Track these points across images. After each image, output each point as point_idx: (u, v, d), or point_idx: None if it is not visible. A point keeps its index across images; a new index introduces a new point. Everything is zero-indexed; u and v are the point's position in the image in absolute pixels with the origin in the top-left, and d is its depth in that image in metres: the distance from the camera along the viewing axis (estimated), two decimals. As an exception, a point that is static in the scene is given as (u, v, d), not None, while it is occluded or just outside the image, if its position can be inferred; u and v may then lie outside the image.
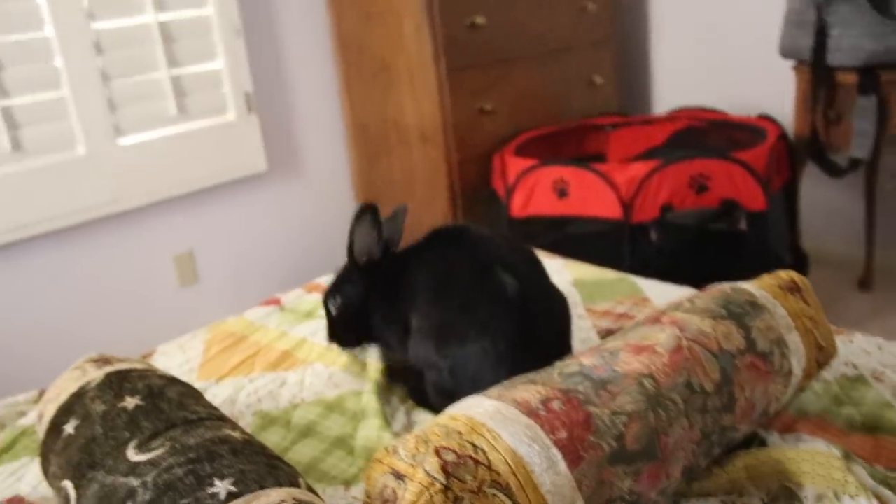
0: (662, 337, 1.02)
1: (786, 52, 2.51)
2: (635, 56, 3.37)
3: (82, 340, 2.53)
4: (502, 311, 1.22)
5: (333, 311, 1.41)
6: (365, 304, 1.38)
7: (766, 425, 1.13)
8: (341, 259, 1.45)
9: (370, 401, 1.30)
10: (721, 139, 2.79)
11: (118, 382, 1.12)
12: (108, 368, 1.17)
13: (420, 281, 1.29)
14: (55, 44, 2.38)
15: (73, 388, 1.15)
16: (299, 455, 1.19)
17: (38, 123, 2.40)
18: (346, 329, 1.41)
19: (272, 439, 1.23)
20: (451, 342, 1.21)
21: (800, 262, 2.69)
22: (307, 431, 1.25)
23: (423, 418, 1.26)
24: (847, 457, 1.01)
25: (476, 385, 1.18)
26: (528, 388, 0.95)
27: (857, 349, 1.33)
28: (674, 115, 2.98)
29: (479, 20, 2.71)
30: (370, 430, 1.21)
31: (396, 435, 1.21)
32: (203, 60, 2.67)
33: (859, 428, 1.15)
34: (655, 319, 1.08)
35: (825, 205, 2.92)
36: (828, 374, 1.27)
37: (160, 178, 2.63)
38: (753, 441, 1.10)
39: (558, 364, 1.02)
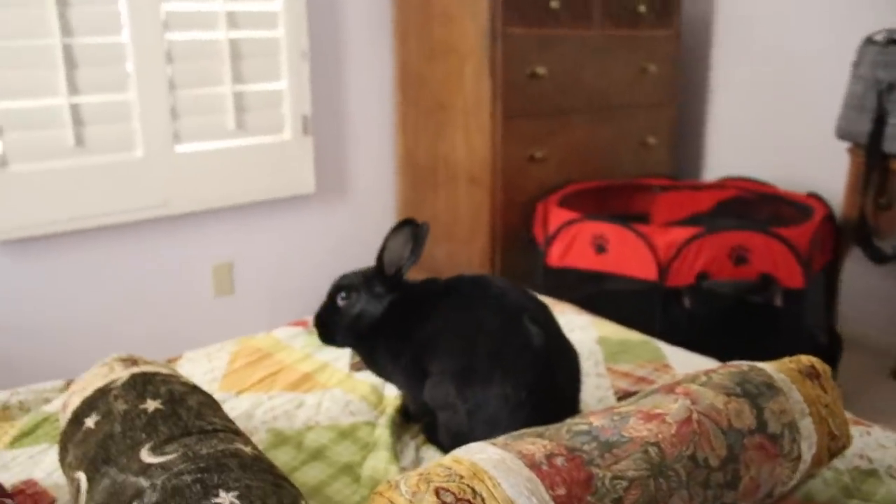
0: (674, 407, 1.03)
1: (842, 134, 2.51)
2: (690, 120, 3.39)
3: (114, 336, 2.60)
4: (528, 360, 1.24)
5: (341, 303, 1.38)
6: (379, 318, 1.37)
7: (771, 508, 1.13)
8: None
9: (383, 434, 1.32)
10: (767, 212, 2.78)
11: (142, 384, 1.16)
12: (135, 369, 1.22)
13: (444, 327, 1.31)
14: (129, 49, 2.49)
15: (99, 383, 1.20)
16: (306, 476, 1.22)
17: (102, 123, 2.50)
18: (345, 328, 1.39)
19: (282, 458, 1.26)
20: (475, 384, 1.23)
21: (834, 345, 2.65)
22: (317, 454, 1.28)
23: (432, 456, 1.27)
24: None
25: (492, 428, 1.20)
26: (535, 442, 0.97)
27: (873, 442, 1.32)
28: (722, 184, 2.98)
29: (540, 70, 2.76)
30: (378, 462, 1.24)
31: (403, 469, 1.23)
32: (267, 79, 2.76)
33: (866, 523, 1.14)
34: (670, 389, 1.09)
35: (866, 290, 2.89)
36: (840, 463, 1.25)
37: (211, 188, 2.71)
38: (756, 522, 1.09)
39: (569, 421, 1.04)
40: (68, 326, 2.54)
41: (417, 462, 1.26)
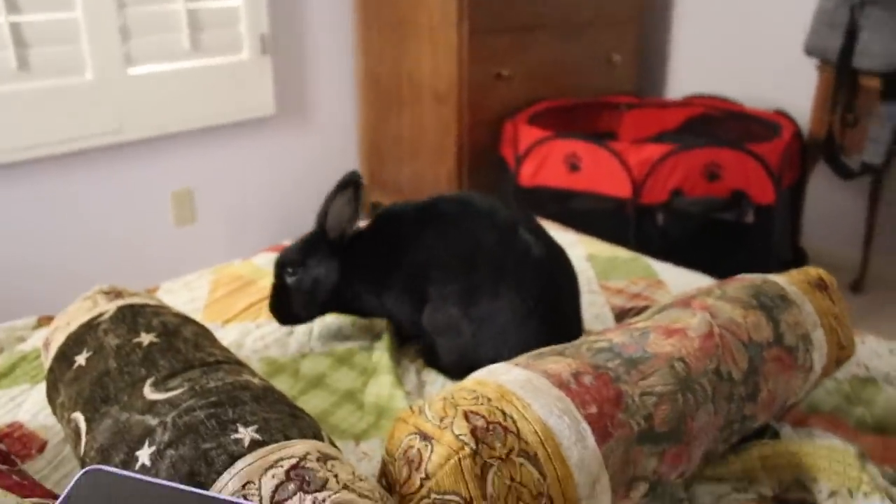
0: (694, 322, 1.01)
1: (811, 51, 2.49)
2: (655, 38, 3.33)
3: (73, 270, 2.49)
4: (531, 270, 1.21)
5: (290, 280, 1.32)
6: (339, 278, 1.31)
7: (779, 417, 1.13)
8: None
9: (381, 358, 1.28)
10: (735, 130, 2.77)
11: (132, 317, 1.09)
12: (121, 301, 1.14)
13: (438, 250, 1.25)
14: (71, -37, 2.31)
15: (83, 317, 1.12)
16: (308, 406, 1.17)
17: (47, 44, 2.33)
18: (304, 303, 1.33)
19: (280, 387, 1.21)
20: (480, 301, 1.19)
21: (798, 260, 2.69)
22: (316, 382, 1.23)
23: (434, 379, 1.24)
24: (862, 455, 1.00)
25: (500, 343, 1.18)
26: (559, 361, 0.94)
27: (868, 351, 1.33)
28: (689, 101, 2.95)
29: (506, -17, 2.66)
30: (381, 388, 1.20)
31: (408, 394, 1.19)
32: (221, -4, 2.61)
33: (870, 428, 1.15)
34: (686, 303, 1.07)
35: (829, 206, 2.93)
36: (839, 373, 1.26)
37: (166, 112, 2.57)
38: (766, 431, 1.10)
39: (586, 339, 1.01)
40: (24, 262, 2.42)
41: (420, 386, 1.23)
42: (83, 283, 2.33)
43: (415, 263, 1.28)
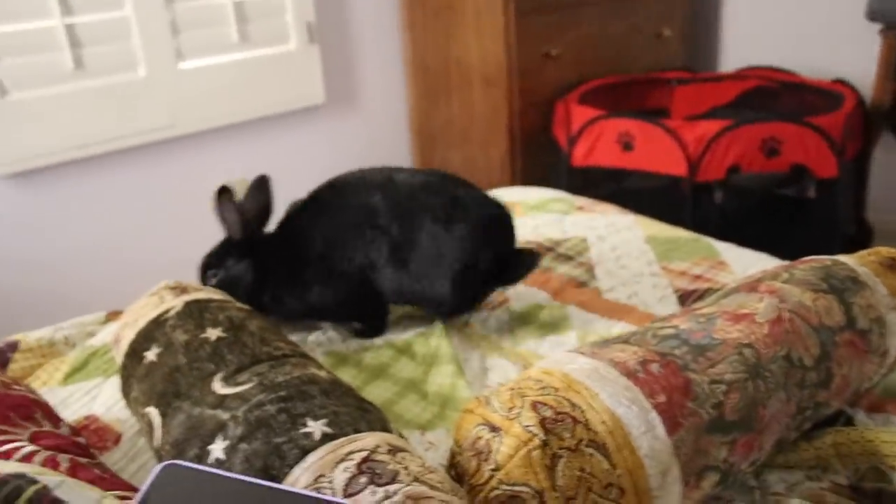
0: (761, 306, 0.99)
1: (874, 15, 2.40)
2: (706, 9, 3.26)
3: (129, 263, 2.55)
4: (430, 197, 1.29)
5: (213, 283, 1.39)
6: (252, 279, 1.36)
7: (853, 403, 1.11)
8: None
9: (440, 345, 1.28)
10: (792, 102, 2.70)
11: (198, 312, 1.12)
12: (187, 297, 1.17)
13: (339, 226, 1.32)
14: (121, -39, 2.35)
15: (151, 314, 1.15)
16: (372, 396, 1.19)
17: (100, 43, 2.38)
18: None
19: (344, 378, 1.23)
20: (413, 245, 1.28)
21: (863, 234, 2.62)
22: (378, 373, 1.25)
23: (498, 364, 1.24)
24: (942, 443, 0.98)
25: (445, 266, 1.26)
26: (625, 349, 0.93)
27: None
28: (743, 74, 2.89)
29: (551, -38, 2.63)
30: (444, 377, 1.20)
31: (471, 383, 1.20)
32: (267, -13, 2.63)
33: (948, 415, 1.12)
34: (752, 287, 1.05)
35: (894, 177, 2.84)
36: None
37: (218, 105, 2.61)
38: (839, 418, 1.08)
39: (651, 325, 1.00)
40: (81, 257, 2.48)
41: (482, 373, 1.23)
42: (142, 277, 2.38)
43: (326, 254, 1.32)
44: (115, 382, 1.29)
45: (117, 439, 1.17)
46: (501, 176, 2.74)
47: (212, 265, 1.39)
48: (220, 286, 1.36)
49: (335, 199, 1.34)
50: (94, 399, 1.26)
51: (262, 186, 1.40)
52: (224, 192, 1.36)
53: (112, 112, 2.43)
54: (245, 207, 1.38)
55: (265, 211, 1.40)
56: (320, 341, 1.36)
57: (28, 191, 2.38)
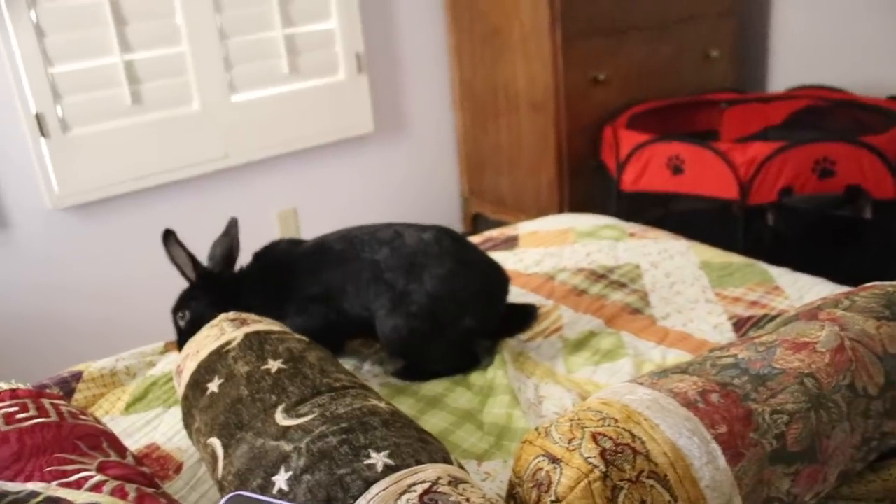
0: (822, 335, 0.98)
1: (928, 31, 2.37)
2: (754, 29, 3.24)
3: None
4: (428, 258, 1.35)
5: (182, 324, 1.47)
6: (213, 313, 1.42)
7: (920, 432, 1.08)
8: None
9: (496, 376, 1.29)
10: (846, 121, 2.66)
11: (259, 344, 1.14)
12: (247, 329, 1.20)
13: (342, 276, 1.38)
14: (177, 0, 2.42)
15: (212, 345, 1.18)
16: (428, 426, 1.20)
17: (157, 78, 2.46)
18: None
19: (401, 408, 1.24)
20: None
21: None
22: (435, 403, 1.26)
23: (552, 393, 1.24)
24: None
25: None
26: (684, 379, 0.93)
27: None
28: (793, 94, 2.86)
29: (597, -13, 2.64)
30: (499, 408, 1.21)
31: (526, 413, 1.20)
32: (317, 20, 2.69)
33: None
34: (812, 315, 1.04)
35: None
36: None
37: (270, 136, 2.67)
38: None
39: (710, 354, 1.00)
40: (138, 286, 2.55)
41: (538, 401, 1.23)
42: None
43: (320, 296, 1.39)
44: (175, 412, 1.32)
45: (178, 468, 1.20)
46: (549, 201, 2.74)
47: (178, 308, 1.49)
48: (188, 327, 1.45)
49: (345, 251, 1.40)
50: (155, 429, 1.30)
51: (229, 231, 1.53)
52: (169, 236, 1.45)
53: (168, 145, 2.50)
54: (214, 251, 1.52)
55: (230, 253, 1.51)
56: (376, 372, 1.38)
57: (88, 222, 2.45)
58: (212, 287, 1.47)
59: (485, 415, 1.21)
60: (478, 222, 3.14)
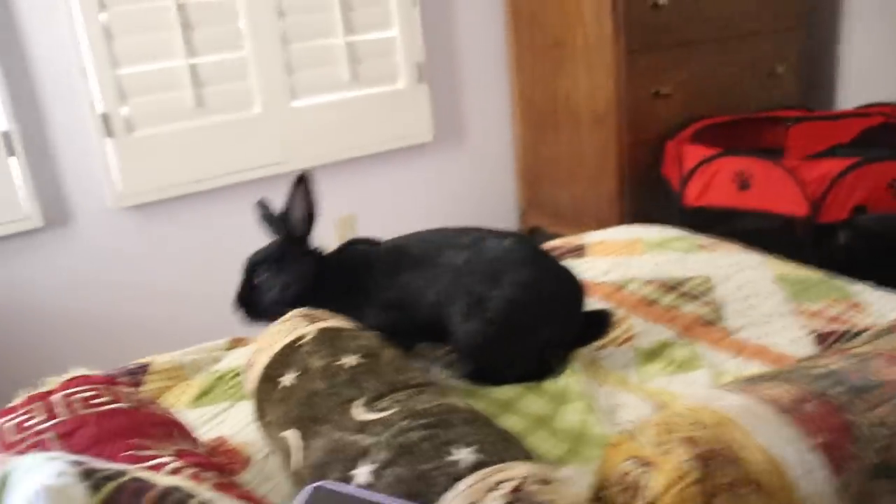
0: (922, 346, 0.95)
1: None
2: (822, 45, 3.19)
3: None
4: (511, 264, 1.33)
5: (259, 281, 1.42)
6: (315, 279, 1.41)
7: None
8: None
9: (569, 383, 1.27)
10: (921, 139, 2.60)
11: (331, 340, 1.14)
12: (319, 325, 1.20)
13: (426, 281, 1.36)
14: (242, 5, 2.47)
15: (284, 340, 1.18)
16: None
17: (220, 82, 2.50)
18: (271, 302, 1.41)
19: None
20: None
21: None
22: (506, 407, 1.25)
23: (627, 402, 1.22)
24: None
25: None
26: (775, 386, 0.91)
27: None
28: (865, 111, 2.80)
29: (662, 0, 2.62)
30: (573, 414, 1.19)
31: (600, 420, 1.18)
32: (378, 28, 2.71)
33: None
34: (909, 327, 1.01)
35: None
36: None
37: (329, 142, 2.69)
38: None
39: (801, 363, 0.97)
40: (195, 287, 2.58)
41: (612, 409, 1.22)
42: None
43: (391, 296, 1.38)
44: (242, 407, 1.33)
45: (246, 462, 1.20)
46: (610, 215, 2.72)
47: (263, 261, 1.43)
48: (270, 284, 1.41)
49: (424, 254, 1.38)
50: (223, 422, 1.30)
51: (305, 187, 1.44)
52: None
53: (228, 148, 2.54)
54: (291, 213, 1.45)
55: (311, 213, 1.45)
56: (444, 376, 1.37)
57: (148, 221, 2.50)
58: (296, 255, 1.43)
59: (558, 421, 1.20)
60: (535, 235, 3.12)
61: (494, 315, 1.28)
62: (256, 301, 1.44)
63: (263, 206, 1.49)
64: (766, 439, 0.83)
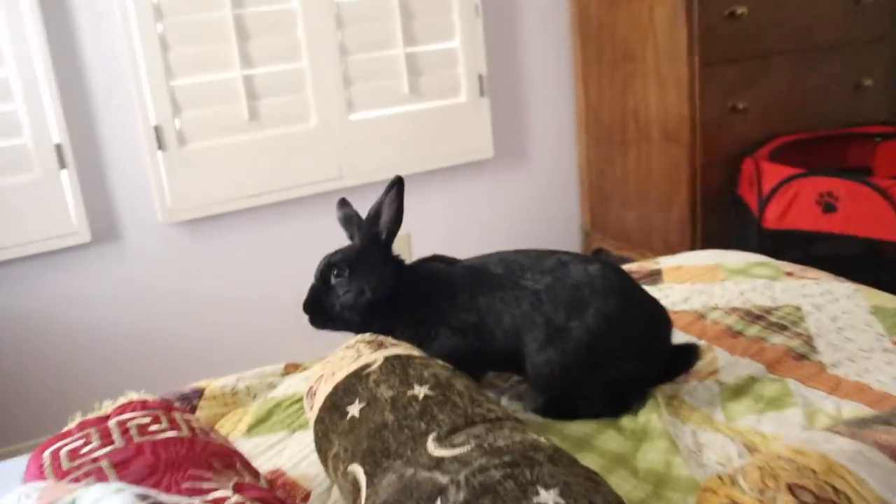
0: None
1: None
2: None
3: (297, 315, 2.64)
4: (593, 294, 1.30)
5: (335, 283, 1.38)
6: (396, 289, 1.37)
7: None
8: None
9: (650, 420, 1.24)
10: None
11: (401, 368, 1.13)
12: (386, 352, 1.19)
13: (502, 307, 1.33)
14: (299, 15, 2.50)
15: (349, 367, 1.18)
16: (577, 468, 1.16)
17: (275, 94, 2.52)
18: (345, 307, 1.38)
19: (545, 447, 1.21)
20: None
21: None
22: (582, 444, 1.22)
23: (714, 441, 1.19)
24: None
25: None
26: (890, 430, 0.87)
27: None
28: (961, 129, 2.72)
29: (740, 10, 2.59)
30: (656, 454, 1.16)
31: (685, 460, 1.15)
32: (439, 39, 2.72)
33: None
34: None
35: None
36: None
37: (386, 157, 2.70)
38: None
39: (915, 407, 0.93)
40: (247, 305, 2.60)
41: (698, 449, 1.18)
42: (305, 328, 2.47)
43: (467, 319, 1.34)
44: (300, 437, 1.32)
45: (306, 497, 1.19)
46: (681, 238, 2.68)
47: (342, 263, 1.40)
48: (344, 288, 1.38)
49: (504, 276, 1.35)
50: (280, 453, 1.30)
51: (398, 192, 1.43)
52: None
53: (282, 162, 2.56)
54: (376, 218, 1.44)
55: (398, 219, 1.43)
56: (513, 408, 1.35)
57: (199, 238, 2.53)
58: (376, 261, 1.41)
59: (639, 460, 1.17)
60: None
61: (575, 346, 1.25)
62: (327, 304, 1.40)
63: (345, 205, 1.48)
64: (882, 489, 0.79)
